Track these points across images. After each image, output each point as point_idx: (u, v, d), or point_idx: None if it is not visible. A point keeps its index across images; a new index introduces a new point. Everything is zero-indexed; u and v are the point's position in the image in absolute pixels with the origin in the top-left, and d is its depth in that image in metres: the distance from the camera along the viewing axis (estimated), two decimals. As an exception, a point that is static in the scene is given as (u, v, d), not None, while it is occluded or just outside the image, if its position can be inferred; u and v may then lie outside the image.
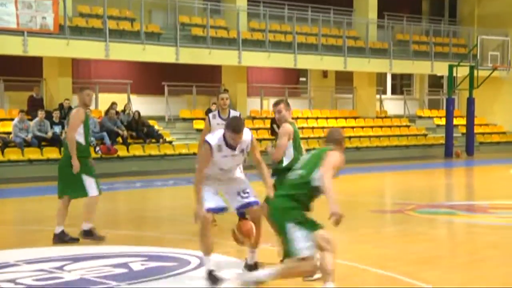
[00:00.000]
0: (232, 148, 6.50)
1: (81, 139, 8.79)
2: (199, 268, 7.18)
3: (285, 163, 7.13)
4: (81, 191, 8.79)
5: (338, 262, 7.47)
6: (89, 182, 8.77)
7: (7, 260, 7.71)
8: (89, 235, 8.79)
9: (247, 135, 6.54)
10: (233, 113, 10.10)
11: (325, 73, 29.08)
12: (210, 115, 10.19)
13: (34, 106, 19.77)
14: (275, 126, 24.03)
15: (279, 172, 7.11)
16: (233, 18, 24.17)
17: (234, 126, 6.37)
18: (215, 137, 6.53)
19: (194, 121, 23.17)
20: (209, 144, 6.48)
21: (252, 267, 6.78)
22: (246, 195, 6.69)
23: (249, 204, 6.69)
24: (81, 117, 8.79)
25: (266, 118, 24.85)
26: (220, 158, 6.52)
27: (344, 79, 29.42)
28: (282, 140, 7.10)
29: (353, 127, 26.89)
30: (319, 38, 25.58)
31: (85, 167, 8.78)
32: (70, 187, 8.79)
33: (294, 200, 5.61)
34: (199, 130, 21.91)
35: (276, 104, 7.37)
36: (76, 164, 8.66)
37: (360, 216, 11.56)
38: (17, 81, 20.80)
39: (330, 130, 6.21)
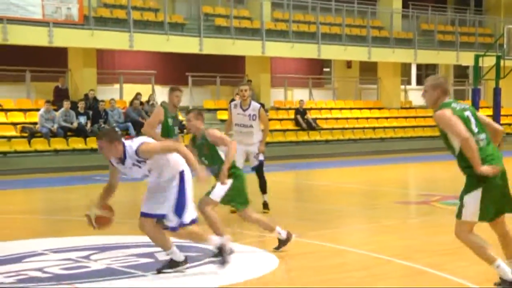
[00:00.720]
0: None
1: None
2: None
3: None
4: None
5: (363, 253, 7.48)
6: None
7: (34, 249, 7.81)
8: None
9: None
10: (254, 105, 10.10)
11: (349, 64, 28.94)
12: (232, 104, 10.16)
13: (59, 96, 19.93)
14: (299, 117, 24.03)
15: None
16: (257, 8, 24.14)
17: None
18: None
19: (218, 112, 23.19)
20: None
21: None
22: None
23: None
24: (159, 116, 8.80)
25: (290, 108, 24.81)
26: None
27: (368, 70, 29.26)
28: (226, 143, 7.60)
29: (377, 118, 26.75)
30: (343, 28, 25.46)
31: None
32: None
33: None
34: (223, 121, 21.95)
35: (186, 113, 7.45)
36: None
37: (385, 207, 11.54)
38: (43, 72, 20.98)
39: (441, 79, 6.19)
